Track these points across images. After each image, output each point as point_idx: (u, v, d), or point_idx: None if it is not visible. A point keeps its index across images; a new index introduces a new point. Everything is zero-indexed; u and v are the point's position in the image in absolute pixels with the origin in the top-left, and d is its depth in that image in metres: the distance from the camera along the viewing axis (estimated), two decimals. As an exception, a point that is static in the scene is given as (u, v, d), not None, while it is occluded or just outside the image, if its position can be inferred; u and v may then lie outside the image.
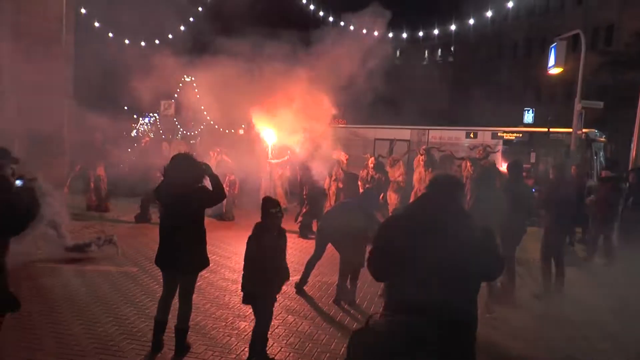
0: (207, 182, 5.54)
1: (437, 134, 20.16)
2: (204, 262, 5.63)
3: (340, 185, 13.69)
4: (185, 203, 5.30)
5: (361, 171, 13.80)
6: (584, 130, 16.41)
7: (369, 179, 13.18)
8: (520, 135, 19.02)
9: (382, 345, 2.97)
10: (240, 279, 8.40)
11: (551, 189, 8.24)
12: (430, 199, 3.64)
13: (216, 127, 32.96)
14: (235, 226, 13.40)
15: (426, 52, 47.54)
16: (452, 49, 45.85)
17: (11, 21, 12.99)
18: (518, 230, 7.93)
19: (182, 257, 5.39)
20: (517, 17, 33.27)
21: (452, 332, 3.12)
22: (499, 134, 19.18)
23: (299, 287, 8.03)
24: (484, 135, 19.34)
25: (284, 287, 8.07)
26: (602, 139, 18.12)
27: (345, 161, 14.78)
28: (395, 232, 3.50)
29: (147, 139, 20.17)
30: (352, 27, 19.54)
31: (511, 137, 18.87)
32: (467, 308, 3.37)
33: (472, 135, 19.46)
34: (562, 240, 8.38)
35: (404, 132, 20.56)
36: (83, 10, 17.05)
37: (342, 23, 19.92)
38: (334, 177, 13.84)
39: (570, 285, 8.50)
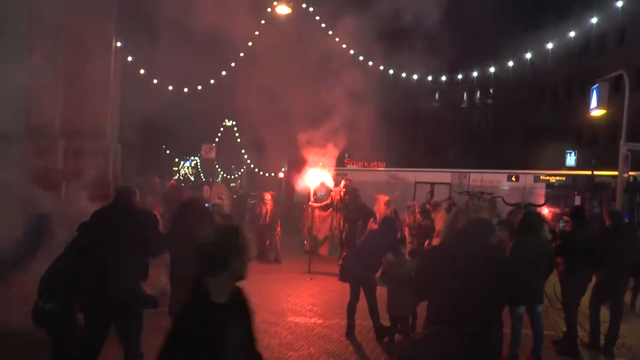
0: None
1: (478, 177, 19.91)
2: None
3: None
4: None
5: (407, 216, 13.66)
6: (631, 173, 15.99)
7: (415, 225, 13.04)
8: (564, 178, 18.66)
9: (419, 351, 3.72)
10: (280, 322, 8.48)
11: (607, 237, 7.84)
12: (466, 236, 4.45)
13: (256, 170, 33.56)
14: (275, 267, 13.48)
15: (465, 94, 47.49)
16: (490, 91, 45.71)
17: (64, 68, 13.58)
18: (582, 279, 7.70)
19: None
20: (556, 59, 32.96)
21: (478, 340, 3.86)
22: (541, 177, 18.87)
23: (348, 333, 7.90)
24: (526, 178, 19.07)
25: (325, 331, 8.10)
26: None
27: (383, 205, 14.74)
28: (436, 261, 4.40)
29: (174, 181, 20.43)
30: (391, 71, 19.90)
31: (554, 180, 18.54)
32: (491, 323, 4.14)
33: (513, 179, 19.19)
34: (620, 291, 7.86)
35: (444, 175, 20.44)
36: (130, 58, 17.74)
37: (381, 67, 20.17)
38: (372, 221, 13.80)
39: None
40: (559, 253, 7.42)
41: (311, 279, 12.06)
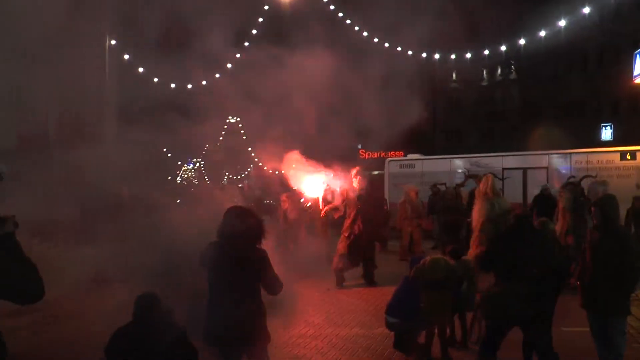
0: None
1: (583, 158, 18.05)
2: (267, 336, 4.97)
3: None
4: (244, 267, 4.74)
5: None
6: None
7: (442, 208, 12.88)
8: None
9: (502, 297, 5.73)
10: (317, 334, 8.26)
11: None
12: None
13: (265, 168, 33.28)
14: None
15: (484, 71, 46.63)
16: (512, 66, 45.03)
17: (56, 70, 13.45)
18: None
19: (244, 329, 4.73)
20: (585, 25, 31.81)
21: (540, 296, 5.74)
22: None
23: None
24: None
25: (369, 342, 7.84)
26: None
27: (414, 195, 14.53)
28: (501, 242, 6.27)
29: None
30: (410, 52, 19.59)
31: None
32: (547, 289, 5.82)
33: (628, 157, 17.75)
34: None
35: (540, 159, 18.70)
36: (126, 57, 17.56)
37: (398, 48, 19.90)
38: (406, 215, 13.73)
39: None
40: None
41: (328, 290, 11.73)
